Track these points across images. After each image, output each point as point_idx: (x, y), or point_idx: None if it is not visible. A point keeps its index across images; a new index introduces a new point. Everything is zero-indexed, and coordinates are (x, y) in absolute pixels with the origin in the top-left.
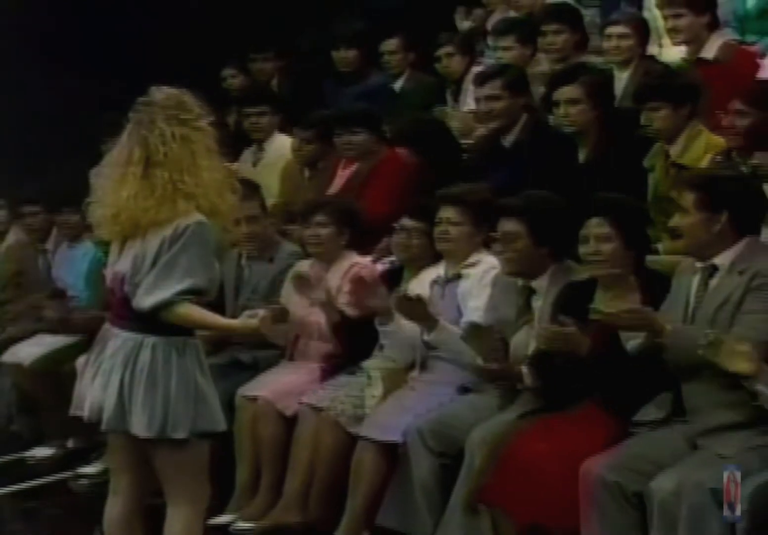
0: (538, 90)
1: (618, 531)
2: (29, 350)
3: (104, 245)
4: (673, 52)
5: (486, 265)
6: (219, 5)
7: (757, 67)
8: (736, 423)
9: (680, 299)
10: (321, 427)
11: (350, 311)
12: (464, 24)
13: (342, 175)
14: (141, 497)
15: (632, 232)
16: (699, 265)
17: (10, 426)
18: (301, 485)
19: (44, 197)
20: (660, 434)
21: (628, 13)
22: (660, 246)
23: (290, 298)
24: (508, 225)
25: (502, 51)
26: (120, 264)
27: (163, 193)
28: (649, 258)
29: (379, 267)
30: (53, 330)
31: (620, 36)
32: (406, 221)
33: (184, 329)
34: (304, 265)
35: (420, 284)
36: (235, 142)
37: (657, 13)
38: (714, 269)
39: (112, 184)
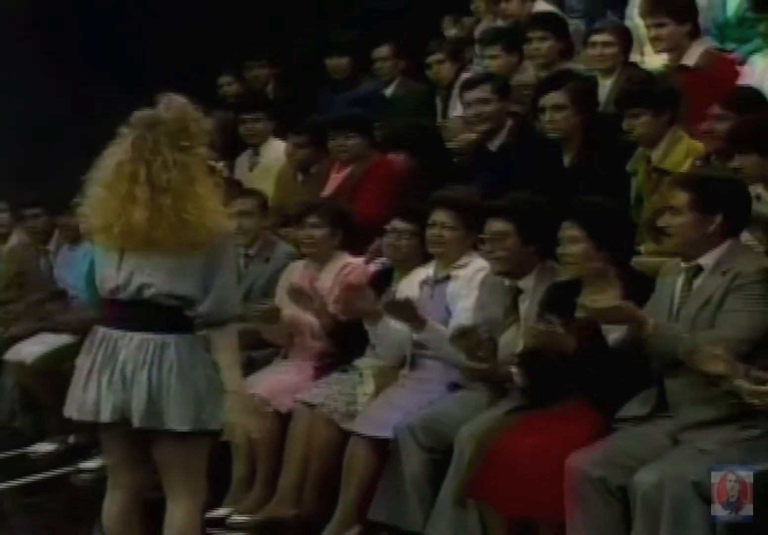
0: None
1: (602, 524)
2: (31, 349)
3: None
4: (655, 60)
5: (475, 267)
6: (217, 9)
7: (736, 74)
8: (716, 418)
9: (665, 299)
10: (314, 423)
11: (340, 315)
12: (451, 32)
13: (335, 179)
14: (140, 492)
15: (604, 234)
16: (684, 265)
17: (12, 422)
18: (296, 480)
19: (46, 200)
20: (643, 429)
21: (612, 22)
22: (642, 248)
23: (284, 298)
24: (497, 225)
25: (489, 59)
26: (137, 275)
27: (170, 221)
28: (633, 259)
29: (371, 267)
30: (55, 329)
31: (604, 44)
32: (397, 223)
33: (191, 327)
34: (297, 267)
35: (410, 284)
36: (232, 146)
37: (639, 22)
38: (699, 269)
39: (113, 196)
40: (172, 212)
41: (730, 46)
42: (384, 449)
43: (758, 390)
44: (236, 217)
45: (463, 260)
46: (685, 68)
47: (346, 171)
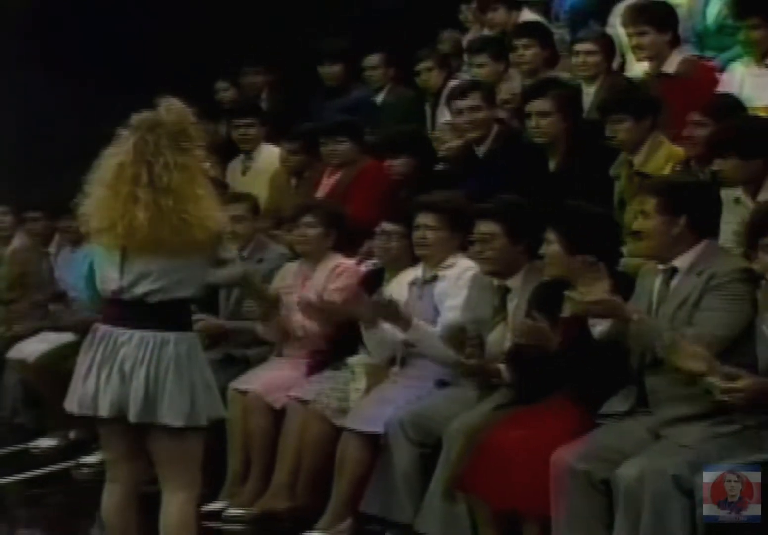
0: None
1: (586, 516)
2: (34, 347)
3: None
4: (636, 68)
5: (461, 267)
6: (217, 10)
7: (715, 81)
8: (695, 414)
9: (643, 300)
10: (308, 419)
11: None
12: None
13: (326, 184)
14: (137, 485)
15: (576, 237)
16: (661, 267)
17: (15, 418)
18: (289, 474)
19: (47, 204)
20: (625, 424)
21: (596, 31)
22: (624, 250)
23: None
24: (486, 226)
25: (476, 68)
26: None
27: (171, 222)
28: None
29: (363, 268)
30: (56, 328)
31: (587, 52)
32: (386, 225)
33: (191, 325)
34: (291, 267)
35: (399, 285)
36: (227, 150)
37: (620, 30)
38: (674, 270)
39: (115, 197)
40: (173, 213)
41: (709, 54)
42: (375, 444)
43: (730, 387)
44: (230, 222)
45: (449, 261)
46: (665, 76)
47: (337, 176)
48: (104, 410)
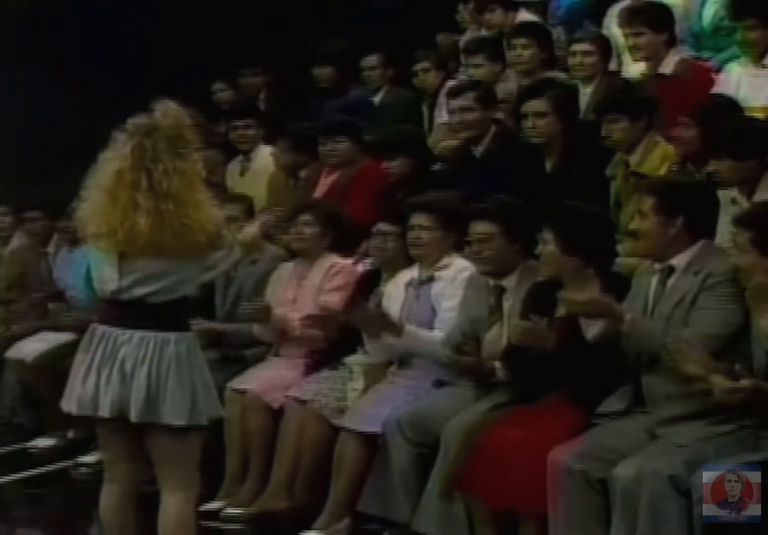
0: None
1: (583, 516)
2: (33, 347)
3: None
4: (633, 68)
5: (457, 268)
6: (218, 10)
7: (712, 81)
8: (692, 413)
9: (640, 298)
10: (306, 419)
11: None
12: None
13: (324, 184)
14: (135, 485)
15: (573, 237)
16: (657, 266)
17: (13, 418)
18: (287, 474)
19: (46, 204)
20: (621, 424)
21: (592, 32)
22: (620, 249)
23: (273, 296)
24: (482, 227)
25: (473, 68)
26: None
27: (173, 227)
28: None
29: (360, 268)
30: (55, 328)
31: (584, 53)
32: (382, 226)
33: (189, 325)
34: (286, 268)
35: (396, 286)
36: (225, 151)
37: (616, 31)
38: (671, 269)
39: (114, 203)
40: (174, 218)
41: (705, 54)
42: (373, 444)
43: (733, 387)
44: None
45: (444, 261)
46: (662, 76)
47: (335, 176)
48: (104, 410)
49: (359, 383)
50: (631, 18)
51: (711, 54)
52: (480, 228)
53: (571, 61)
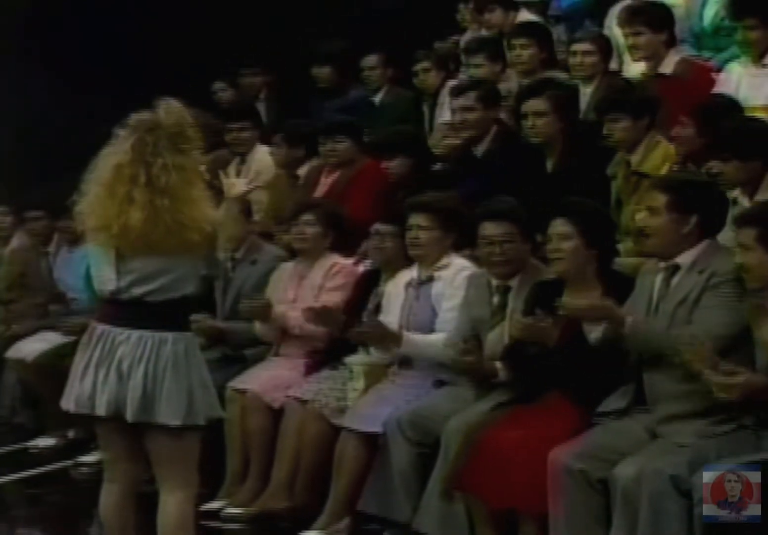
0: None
1: (584, 516)
2: (33, 347)
3: None
4: (633, 68)
5: (456, 268)
6: (218, 10)
7: (712, 81)
8: (693, 412)
9: (644, 297)
10: (306, 418)
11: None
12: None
13: (324, 183)
14: (135, 485)
15: (593, 232)
16: (662, 264)
17: (13, 418)
18: (288, 473)
19: (46, 203)
20: (622, 423)
21: (593, 32)
22: (620, 247)
23: (273, 296)
24: (501, 228)
25: (473, 68)
26: (140, 282)
27: (166, 223)
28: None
29: (360, 268)
30: (55, 328)
31: (584, 53)
32: (380, 226)
33: (189, 325)
34: (287, 268)
35: (395, 286)
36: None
37: (617, 31)
38: (676, 268)
39: (112, 197)
40: (168, 214)
41: (706, 54)
42: (374, 444)
43: (728, 382)
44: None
45: (443, 261)
46: (662, 76)
47: (335, 175)
48: (101, 409)
49: (360, 383)
50: (630, 18)
51: (712, 54)
52: (498, 229)
53: (571, 60)
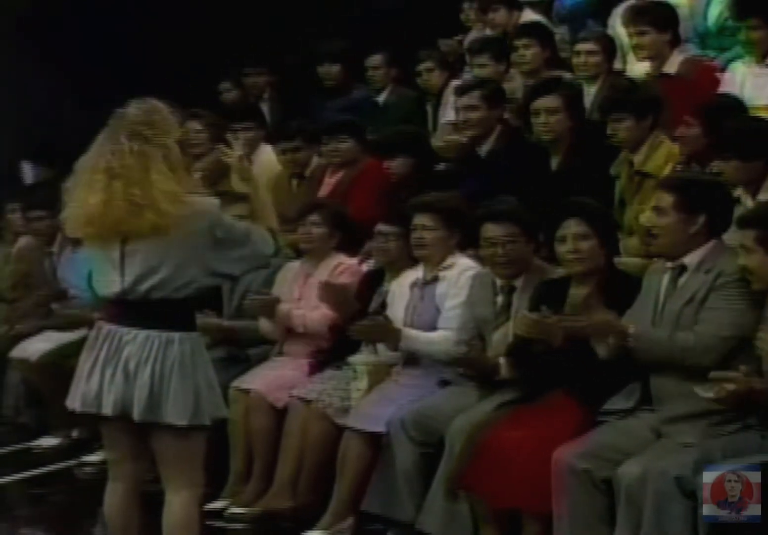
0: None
1: (588, 515)
2: (37, 346)
3: None
4: (637, 68)
5: (461, 268)
6: (218, 10)
7: (716, 81)
8: (698, 413)
9: (650, 297)
10: (310, 418)
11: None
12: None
13: (328, 184)
14: (140, 484)
15: (607, 232)
16: (669, 264)
17: (18, 417)
18: (291, 473)
19: (51, 203)
20: (626, 423)
21: (597, 32)
22: (621, 246)
23: (279, 295)
24: (504, 229)
25: (477, 68)
26: (143, 280)
27: (120, 205)
28: (615, 259)
29: (364, 268)
30: (59, 327)
31: (588, 52)
32: (383, 226)
33: (195, 325)
34: (293, 267)
35: (400, 286)
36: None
37: (621, 31)
38: (683, 268)
39: (80, 188)
40: (121, 196)
41: (710, 54)
42: (377, 443)
43: (722, 387)
44: None
45: (448, 261)
46: (666, 76)
47: (338, 175)
48: (108, 409)
49: (363, 383)
50: (634, 17)
51: (716, 53)
52: (500, 230)
53: (575, 60)
